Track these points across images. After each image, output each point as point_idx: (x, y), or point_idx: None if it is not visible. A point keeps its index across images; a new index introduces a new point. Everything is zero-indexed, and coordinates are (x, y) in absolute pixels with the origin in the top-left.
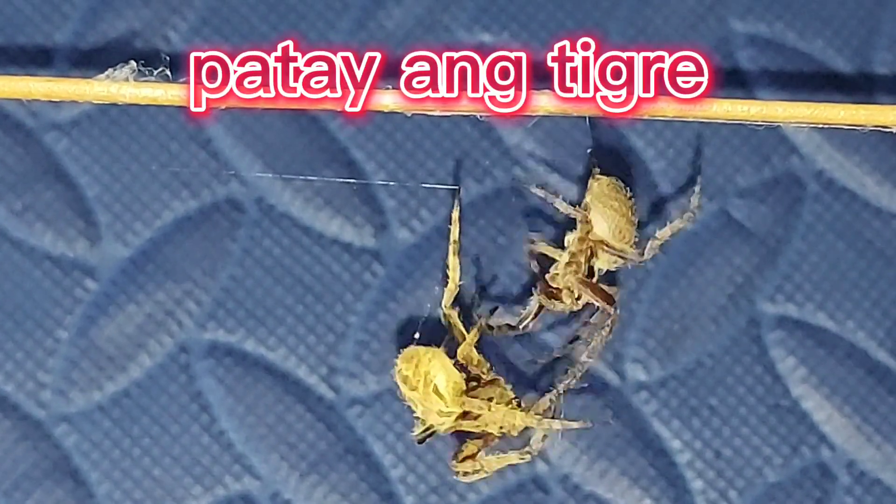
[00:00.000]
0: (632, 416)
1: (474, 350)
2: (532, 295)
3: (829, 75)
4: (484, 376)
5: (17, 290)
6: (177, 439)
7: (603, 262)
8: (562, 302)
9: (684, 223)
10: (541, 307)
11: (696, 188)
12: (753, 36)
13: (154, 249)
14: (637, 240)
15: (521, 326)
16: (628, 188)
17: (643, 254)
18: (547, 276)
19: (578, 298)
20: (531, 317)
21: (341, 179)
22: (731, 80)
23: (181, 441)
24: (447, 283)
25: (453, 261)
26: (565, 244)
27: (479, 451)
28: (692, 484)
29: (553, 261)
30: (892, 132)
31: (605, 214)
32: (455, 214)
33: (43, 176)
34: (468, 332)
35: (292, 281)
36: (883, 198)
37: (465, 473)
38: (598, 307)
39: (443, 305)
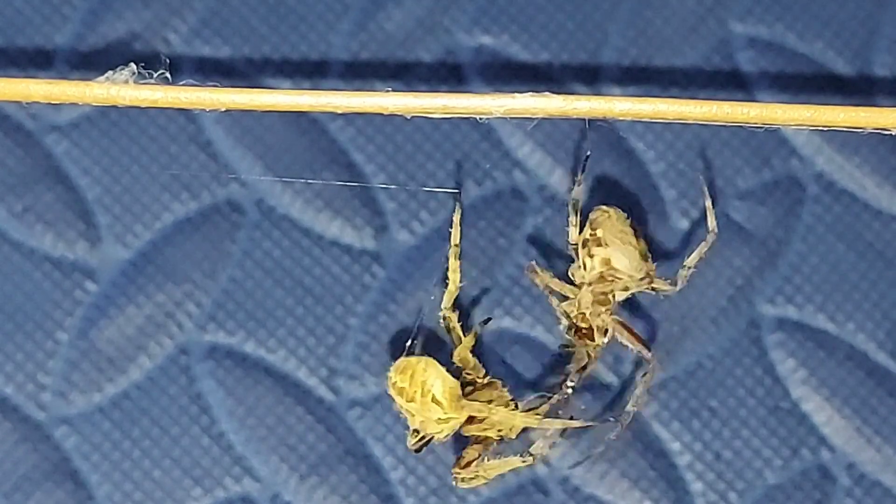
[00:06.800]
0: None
1: (470, 354)
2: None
3: (829, 77)
4: (480, 380)
5: (17, 291)
6: (177, 441)
7: (619, 294)
8: (593, 341)
9: (709, 245)
10: (587, 363)
11: (708, 203)
12: (753, 38)
13: (154, 251)
14: (656, 266)
15: (571, 385)
16: (630, 218)
17: (675, 283)
18: (573, 316)
19: (606, 332)
20: (578, 369)
21: (341, 182)
22: (730, 82)
23: (181, 443)
24: (448, 285)
25: (454, 263)
26: (575, 279)
27: (479, 455)
28: (692, 486)
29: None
30: (892, 134)
31: (623, 250)
32: (456, 218)
33: (43, 178)
34: (465, 335)
35: (292, 283)
36: (883, 200)
37: (465, 479)
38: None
39: (442, 307)
